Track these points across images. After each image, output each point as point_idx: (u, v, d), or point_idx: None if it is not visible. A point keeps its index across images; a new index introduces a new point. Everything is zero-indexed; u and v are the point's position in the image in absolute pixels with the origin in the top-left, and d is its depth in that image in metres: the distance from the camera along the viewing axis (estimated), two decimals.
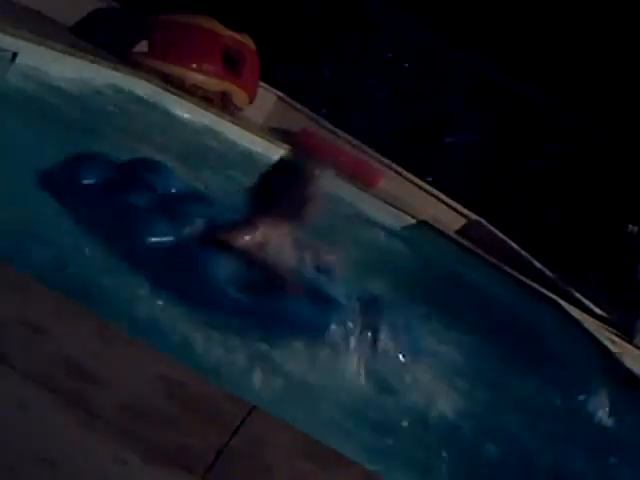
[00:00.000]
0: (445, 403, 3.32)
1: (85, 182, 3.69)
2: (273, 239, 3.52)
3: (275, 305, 3.35)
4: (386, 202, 7.96)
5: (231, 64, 8.71)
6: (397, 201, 8.16)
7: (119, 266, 3.26)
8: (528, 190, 9.96)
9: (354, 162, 8.73)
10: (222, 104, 8.54)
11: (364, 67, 10.17)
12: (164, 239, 3.44)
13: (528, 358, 4.76)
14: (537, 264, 8.02)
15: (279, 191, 3.61)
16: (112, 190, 3.66)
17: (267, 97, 9.21)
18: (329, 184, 3.76)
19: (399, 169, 8.83)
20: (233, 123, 8.08)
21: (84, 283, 3.00)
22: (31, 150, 4.12)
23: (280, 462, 1.92)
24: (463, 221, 8.78)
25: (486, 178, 9.91)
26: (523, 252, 8.22)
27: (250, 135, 8.04)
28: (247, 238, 3.49)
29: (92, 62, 6.98)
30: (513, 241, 8.38)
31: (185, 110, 7.66)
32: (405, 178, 8.72)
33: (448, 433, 3.22)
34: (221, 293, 3.29)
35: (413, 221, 7.99)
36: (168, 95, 7.66)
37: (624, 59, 9.96)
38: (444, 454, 2.96)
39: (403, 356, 3.41)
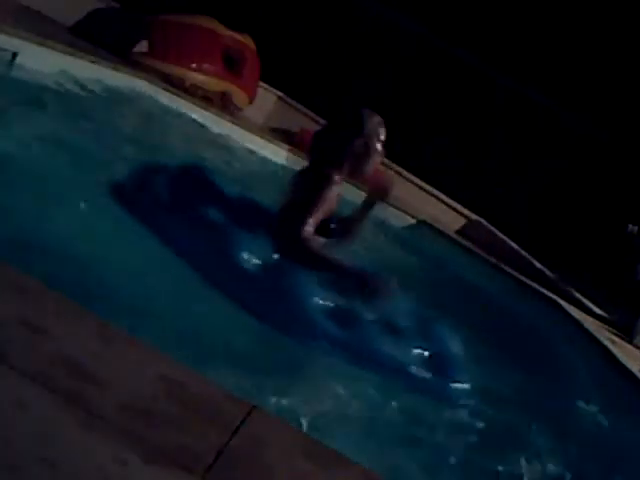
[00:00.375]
0: None
1: (156, 196, 3.62)
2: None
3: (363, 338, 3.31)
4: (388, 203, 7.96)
5: (231, 64, 8.71)
6: (397, 201, 8.16)
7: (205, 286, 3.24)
8: (528, 190, 9.96)
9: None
10: (222, 104, 8.54)
11: (364, 67, 10.17)
12: (249, 256, 3.37)
13: (528, 358, 4.75)
14: (537, 264, 8.02)
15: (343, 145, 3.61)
16: (186, 205, 3.58)
17: (267, 97, 9.21)
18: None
19: (399, 169, 8.84)
20: (233, 123, 8.08)
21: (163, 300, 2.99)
22: (32, 150, 4.13)
23: (280, 462, 1.92)
24: (463, 221, 8.78)
25: (486, 178, 9.91)
26: (523, 252, 8.22)
27: (250, 135, 8.04)
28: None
29: (92, 62, 6.98)
30: (513, 241, 8.38)
31: (185, 109, 7.67)
32: (405, 178, 8.72)
33: (448, 432, 3.22)
34: (311, 320, 3.24)
35: (413, 221, 7.99)
36: (168, 95, 7.66)
37: (624, 59, 9.96)
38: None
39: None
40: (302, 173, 3.80)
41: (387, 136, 3.72)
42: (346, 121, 3.70)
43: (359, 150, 3.63)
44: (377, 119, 3.69)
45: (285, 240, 3.50)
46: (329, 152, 3.66)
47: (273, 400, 2.66)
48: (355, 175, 3.71)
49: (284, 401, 2.71)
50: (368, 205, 3.75)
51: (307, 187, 3.62)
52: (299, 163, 4.25)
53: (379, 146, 3.67)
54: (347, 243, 3.80)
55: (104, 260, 3.14)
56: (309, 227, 3.52)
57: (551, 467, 3.30)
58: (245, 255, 3.38)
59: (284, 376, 3.06)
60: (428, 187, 8.86)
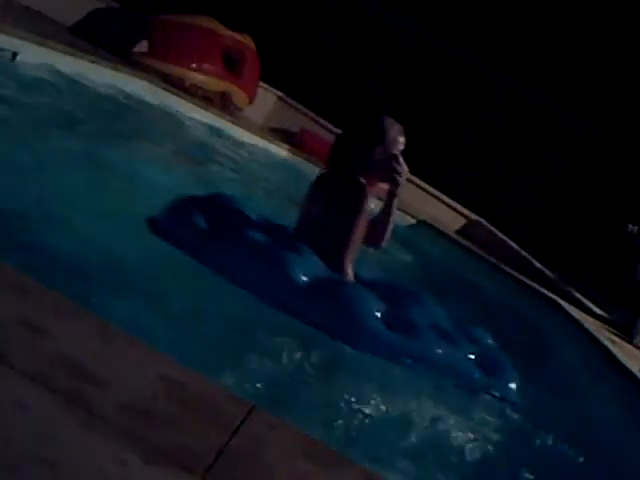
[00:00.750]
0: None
1: (200, 224, 3.55)
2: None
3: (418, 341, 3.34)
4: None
5: (231, 64, 8.72)
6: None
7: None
8: (528, 190, 9.97)
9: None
10: (222, 104, 8.55)
11: (363, 67, 10.17)
12: (303, 274, 3.36)
13: (528, 358, 4.75)
14: (537, 264, 8.03)
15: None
16: (231, 229, 3.53)
17: (267, 97, 9.22)
18: None
19: None
20: (233, 123, 8.08)
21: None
22: (33, 149, 4.14)
23: (280, 462, 1.92)
24: (463, 221, 8.79)
25: (486, 178, 9.91)
26: (523, 252, 8.22)
27: (250, 135, 8.05)
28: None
29: (92, 62, 6.99)
30: (513, 241, 8.38)
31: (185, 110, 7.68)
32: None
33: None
34: (368, 327, 3.27)
35: (413, 221, 7.99)
36: (168, 95, 7.67)
37: (624, 59, 9.96)
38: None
39: None
40: (325, 181, 3.74)
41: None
42: (366, 129, 3.69)
43: (380, 158, 3.62)
44: (397, 127, 3.69)
45: (324, 257, 3.49)
46: (350, 161, 3.65)
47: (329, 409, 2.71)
48: (373, 182, 3.70)
49: (345, 405, 2.78)
50: (389, 204, 3.72)
51: (342, 203, 3.57)
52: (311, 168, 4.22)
53: (399, 154, 3.66)
54: (379, 247, 3.81)
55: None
56: (351, 255, 3.55)
57: (551, 467, 3.31)
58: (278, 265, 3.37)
59: (342, 383, 3.12)
60: (428, 187, 8.86)
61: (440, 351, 3.35)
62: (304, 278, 3.35)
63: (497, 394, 3.45)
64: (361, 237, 3.61)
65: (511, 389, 3.49)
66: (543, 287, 7.25)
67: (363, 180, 3.63)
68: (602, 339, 5.89)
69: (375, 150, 3.62)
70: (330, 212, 3.60)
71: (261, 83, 9.08)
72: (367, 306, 3.34)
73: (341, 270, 3.51)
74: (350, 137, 3.75)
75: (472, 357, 3.46)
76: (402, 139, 3.68)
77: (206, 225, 3.54)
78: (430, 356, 3.33)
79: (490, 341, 3.68)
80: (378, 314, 3.33)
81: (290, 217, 3.83)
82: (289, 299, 3.27)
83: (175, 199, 3.69)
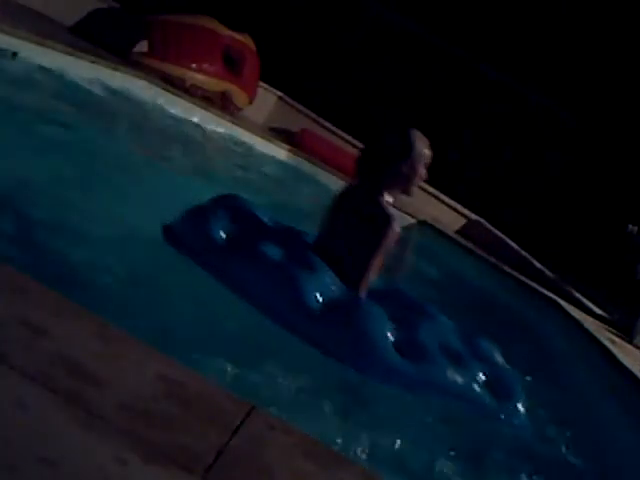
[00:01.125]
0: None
1: (215, 235, 3.47)
2: None
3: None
4: None
5: (231, 64, 8.72)
6: (397, 201, 8.15)
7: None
8: (528, 190, 9.96)
9: (354, 162, 8.73)
10: (222, 104, 8.54)
11: (363, 66, 10.17)
12: (319, 295, 3.30)
13: (528, 358, 4.75)
14: (537, 264, 8.03)
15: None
16: (247, 244, 3.44)
17: (267, 97, 9.22)
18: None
19: None
20: (233, 123, 8.08)
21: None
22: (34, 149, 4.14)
23: (280, 462, 1.92)
24: (463, 221, 8.78)
25: (486, 178, 9.90)
26: (523, 252, 8.22)
27: (250, 135, 8.04)
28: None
29: (92, 62, 6.99)
30: (513, 241, 8.38)
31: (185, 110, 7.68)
32: None
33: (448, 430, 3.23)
34: (382, 354, 3.23)
35: (413, 221, 7.99)
36: (168, 95, 7.67)
37: (624, 59, 9.96)
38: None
39: None
40: (351, 198, 3.73)
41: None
42: (393, 143, 3.67)
43: (406, 172, 3.60)
44: (424, 141, 3.67)
45: (342, 275, 3.47)
46: (376, 175, 3.63)
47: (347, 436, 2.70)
48: (395, 193, 3.69)
49: (359, 434, 2.76)
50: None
51: (368, 231, 3.54)
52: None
53: (424, 169, 3.65)
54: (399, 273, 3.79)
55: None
56: (370, 279, 3.52)
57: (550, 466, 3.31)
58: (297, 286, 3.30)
59: (357, 411, 3.10)
60: (428, 187, 8.86)
61: (450, 378, 3.30)
62: (317, 300, 3.27)
63: (507, 419, 3.39)
64: (381, 264, 3.56)
65: (521, 414, 3.43)
66: (543, 287, 7.25)
67: (387, 198, 3.59)
68: (602, 339, 5.89)
69: (401, 165, 3.59)
70: (354, 235, 3.57)
71: (261, 83, 9.08)
72: (379, 333, 3.26)
73: (357, 290, 3.46)
74: (376, 151, 3.71)
75: (482, 379, 3.40)
76: (429, 153, 3.65)
77: (221, 236, 3.46)
78: (441, 384, 3.28)
79: (499, 358, 3.62)
80: (389, 338, 3.26)
81: (297, 219, 3.79)
82: (300, 323, 3.21)
83: (189, 208, 3.59)
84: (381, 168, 3.63)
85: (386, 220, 3.55)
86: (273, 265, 3.33)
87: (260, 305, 3.24)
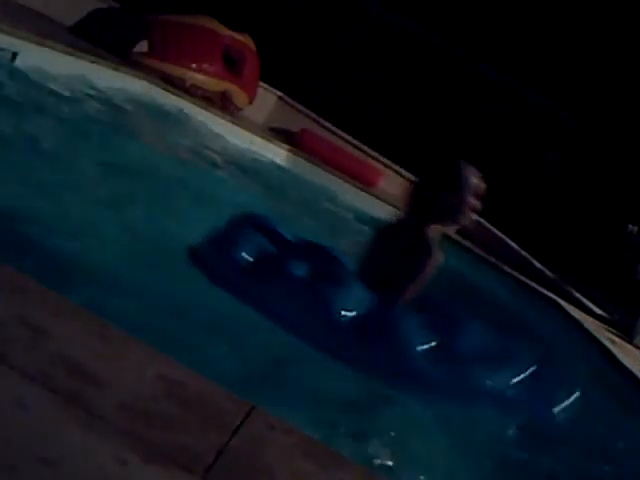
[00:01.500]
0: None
1: (241, 257, 3.38)
2: None
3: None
4: (386, 202, 7.96)
5: (231, 64, 8.71)
6: (397, 201, 8.15)
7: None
8: (528, 190, 9.96)
9: (354, 162, 8.74)
10: (222, 104, 8.54)
11: (363, 66, 10.16)
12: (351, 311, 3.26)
13: (528, 358, 4.74)
14: (537, 264, 8.02)
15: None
16: (275, 264, 3.38)
17: (267, 97, 9.21)
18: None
19: (399, 169, 8.83)
20: (233, 123, 8.08)
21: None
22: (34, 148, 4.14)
23: (280, 462, 1.92)
24: None
25: (485, 178, 9.88)
26: (523, 252, 8.22)
27: (250, 135, 8.04)
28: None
29: (92, 62, 6.98)
30: (513, 241, 8.37)
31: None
32: (405, 178, 8.72)
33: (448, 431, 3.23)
34: (412, 363, 3.21)
35: None
36: (168, 95, 7.67)
37: (624, 59, 9.95)
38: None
39: None
40: (397, 228, 3.70)
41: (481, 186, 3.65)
42: (443, 175, 3.64)
43: (454, 205, 3.58)
44: (475, 173, 3.64)
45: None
46: (424, 209, 3.61)
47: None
48: (440, 228, 3.68)
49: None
50: None
51: (408, 257, 3.51)
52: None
53: (475, 200, 3.62)
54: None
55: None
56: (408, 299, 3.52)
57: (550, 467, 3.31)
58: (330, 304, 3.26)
59: (390, 423, 3.08)
60: None
61: (486, 391, 3.28)
62: (347, 316, 3.23)
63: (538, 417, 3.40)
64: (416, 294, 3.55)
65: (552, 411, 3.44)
66: (543, 287, 7.25)
67: (433, 232, 3.58)
68: (602, 339, 5.89)
69: (449, 197, 3.56)
70: (394, 265, 3.54)
71: (261, 83, 9.07)
72: (411, 350, 3.23)
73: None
74: (426, 185, 3.67)
75: (517, 384, 3.38)
76: (480, 184, 3.63)
77: (248, 260, 3.37)
78: (475, 393, 3.27)
79: (530, 363, 3.58)
80: (421, 353, 3.23)
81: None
82: (332, 343, 3.17)
83: (216, 229, 3.51)
84: (429, 202, 3.59)
85: (427, 253, 3.52)
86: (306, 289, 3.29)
87: (290, 328, 3.19)
